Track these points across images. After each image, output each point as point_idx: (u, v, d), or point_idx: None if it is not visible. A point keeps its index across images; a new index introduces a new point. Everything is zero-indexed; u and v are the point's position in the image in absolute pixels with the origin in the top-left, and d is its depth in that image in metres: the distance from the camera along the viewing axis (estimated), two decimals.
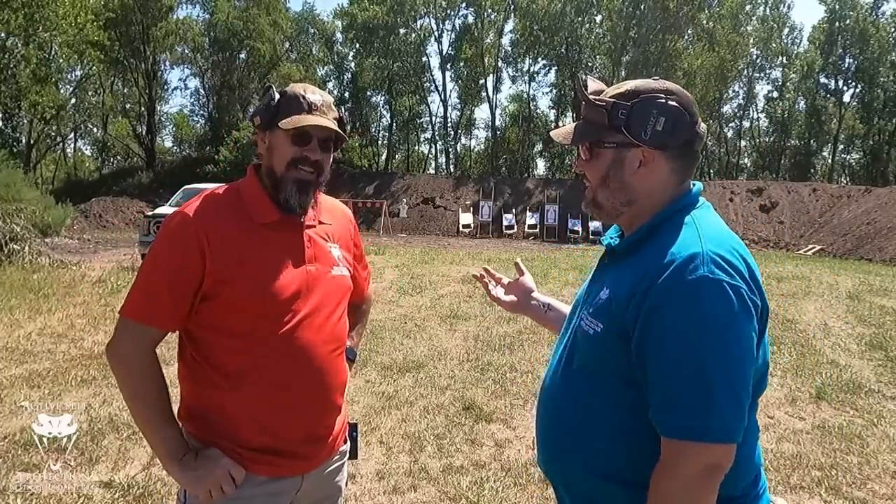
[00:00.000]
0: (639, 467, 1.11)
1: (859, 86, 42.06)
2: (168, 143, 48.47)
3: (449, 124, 43.84)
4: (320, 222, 1.55)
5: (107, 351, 1.43)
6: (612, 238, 1.32)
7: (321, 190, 1.55)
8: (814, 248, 22.98)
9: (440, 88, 42.40)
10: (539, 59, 41.20)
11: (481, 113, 68.40)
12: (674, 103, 1.16)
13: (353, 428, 1.68)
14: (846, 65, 42.05)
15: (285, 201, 1.45)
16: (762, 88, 67.51)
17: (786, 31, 44.67)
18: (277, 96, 1.45)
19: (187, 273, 1.38)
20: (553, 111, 42.57)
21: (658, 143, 1.17)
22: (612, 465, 1.15)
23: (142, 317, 1.39)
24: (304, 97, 1.46)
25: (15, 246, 10.74)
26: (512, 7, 39.68)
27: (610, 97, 1.21)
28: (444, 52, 41.75)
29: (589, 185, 1.27)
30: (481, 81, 42.19)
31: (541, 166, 46.57)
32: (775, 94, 45.34)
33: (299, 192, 1.46)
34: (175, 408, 1.45)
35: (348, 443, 1.65)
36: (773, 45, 43.56)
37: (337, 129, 1.47)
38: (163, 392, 1.41)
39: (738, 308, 1.05)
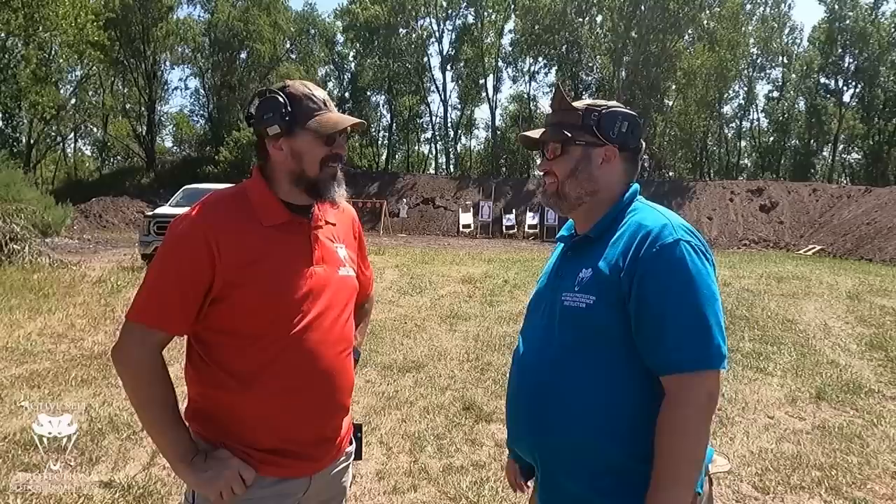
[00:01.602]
0: (639, 420, 1.29)
1: (859, 86, 42.01)
2: (168, 144, 48.39)
3: (449, 124, 43.89)
4: (326, 222, 1.55)
5: (112, 356, 1.41)
6: (569, 233, 1.53)
7: None
8: (814, 248, 22.98)
9: (440, 88, 42.48)
10: (539, 59, 41.21)
11: (481, 113, 68.51)
12: (632, 113, 1.44)
13: (357, 429, 1.67)
14: (846, 65, 41.99)
15: (332, 198, 1.48)
16: (762, 88, 67.70)
17: (786, 30, 44.72)
18: (285, 99, 1.43)
19: (197, 276, 1.36)
20: None
21: (621, 142, 1.42)
22: (619, 422, 1.31)
23: (150, 320, 1.38)
24: (314, 96, 1.46)
25: (15, 246, 10.73)
26: (512, 7, 39.67)
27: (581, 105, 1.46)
28: (445, 52, 41.81)
29: (554, 180, 1.46)
30: (481, 81, 42.24)
31: None
32: (775, 94, 45.35)
33: (336, 185, 1.49)
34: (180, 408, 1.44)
35: (353, 443, 1.65)
36: (774, 45, 43.53)
37: (363, 121, 1.54)
38: (171, 395, 1.40)
39: (707, 262, 1.31)
